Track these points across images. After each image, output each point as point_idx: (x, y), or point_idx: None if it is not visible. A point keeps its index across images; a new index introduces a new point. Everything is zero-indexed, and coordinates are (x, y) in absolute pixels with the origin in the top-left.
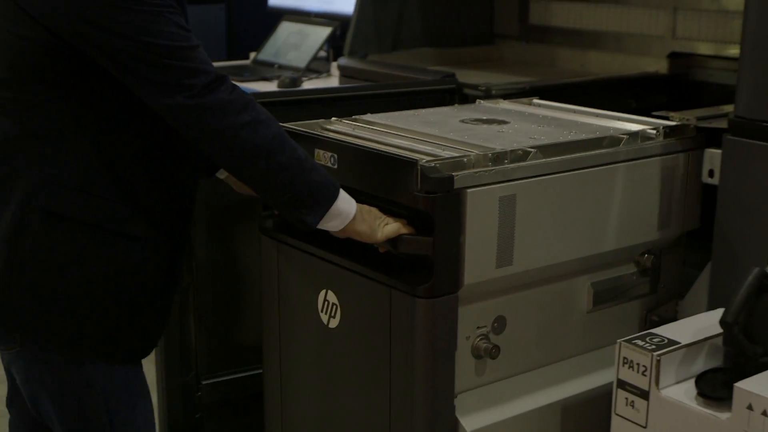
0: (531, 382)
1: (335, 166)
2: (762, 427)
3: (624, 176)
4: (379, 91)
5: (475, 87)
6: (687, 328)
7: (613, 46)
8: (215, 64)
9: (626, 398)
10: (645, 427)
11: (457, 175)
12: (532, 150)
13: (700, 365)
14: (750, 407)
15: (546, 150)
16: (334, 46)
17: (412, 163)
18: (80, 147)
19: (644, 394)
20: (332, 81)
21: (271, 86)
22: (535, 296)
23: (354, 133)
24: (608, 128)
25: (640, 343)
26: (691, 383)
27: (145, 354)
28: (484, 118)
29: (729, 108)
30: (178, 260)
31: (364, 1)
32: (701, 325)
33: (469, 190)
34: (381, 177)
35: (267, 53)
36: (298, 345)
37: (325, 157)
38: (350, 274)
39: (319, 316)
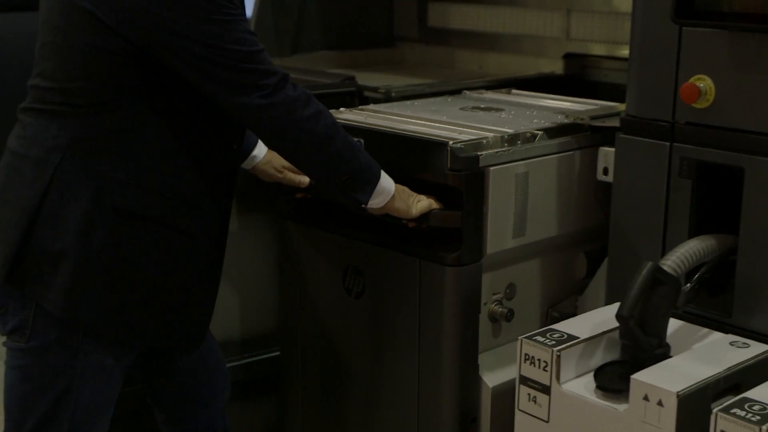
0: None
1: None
2: (658, 417)
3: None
4: None
5: (375, 89)
6: (586, 322)
7: (510, 47)
8: None
9: (528, 394)
10: (547, 422)
11: (481, 155)
12: (539, 132)
13: (599, 359)
14: (646, 398)
15: (550, 132)
16: None
17: (443, 145)
18: (143, 147)
19: (546, 389)
20: None
21: None
22: (539, 265)
23: (369, 120)
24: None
25: (540, 339)
26: (591, 377)
27: (194, 348)
28: (482, 106)
29: (622, 107)
30: (222, 256)
31: (263, 5)
32: (599, 319)
33: (491, 168)
34: (410, 158)
35: None
36: (321, 319)
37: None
38: (378, 249)
39: (343, 291)
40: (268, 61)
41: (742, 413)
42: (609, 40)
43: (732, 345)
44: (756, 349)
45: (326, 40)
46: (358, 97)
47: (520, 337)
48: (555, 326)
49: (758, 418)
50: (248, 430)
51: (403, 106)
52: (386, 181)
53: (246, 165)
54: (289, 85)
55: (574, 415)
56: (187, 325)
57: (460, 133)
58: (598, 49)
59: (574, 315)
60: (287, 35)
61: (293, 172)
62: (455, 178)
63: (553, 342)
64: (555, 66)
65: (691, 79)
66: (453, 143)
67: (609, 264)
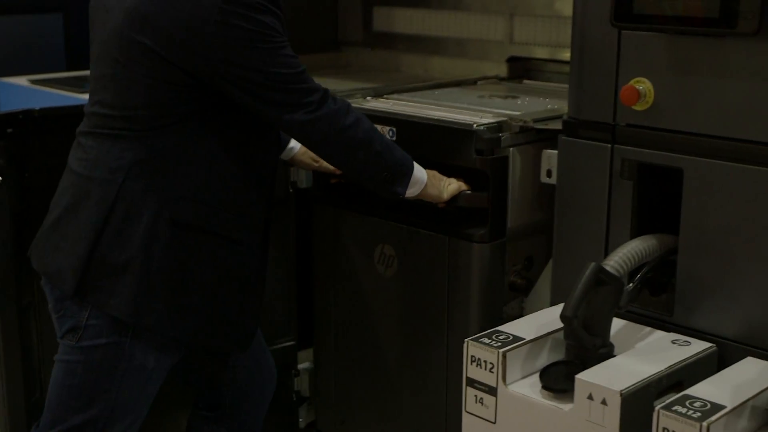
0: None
1: (394, 138)
2: (602, 416)
3: None
4: None
5: None
6: (531, 323)
7: (454, 51)
8: (53, 75)
9: (475, 395)
10: (494, 423)
11: (503, 137)
12: (553, 116)
13: (544, 359)
14: (590, 397)
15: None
16: None
17: (468, 131)
18: (198, 164)
19: (492, 391)
20: None
21: None
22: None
23: (394, 109)
24: None
25: (486, 340)
26: (536, 378)
27: (244, 347)
28: (499, 94)
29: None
30: (266, 260)
31: None
32: (544, 320)
33: (511, 149)
34: (439, 144)
35: None
36: (354, 297)
37: (383, 131)
38: (409, 228)
39: (376, 268)
40: (311, 79)
41: (684, 410)
42: (551, 43)
43: (674, 343)
44: (697, 346)
45: None
46: None
47: (466, 340)
48: (501, 328)
49: (699, 414)
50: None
51: (423, 96)
52: (419, 172)
53: (284, 156)
54: (330, 99)
55: (521, 415)
56: (238, 326)
57: (482, 117)
58: (541, 53)
59: (520, 316)
60: None
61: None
62: (482, 161)
63: (499, 343)
64: (499, 69)
65: (631, 82)
66: (477, 126)
67: (553, 265)
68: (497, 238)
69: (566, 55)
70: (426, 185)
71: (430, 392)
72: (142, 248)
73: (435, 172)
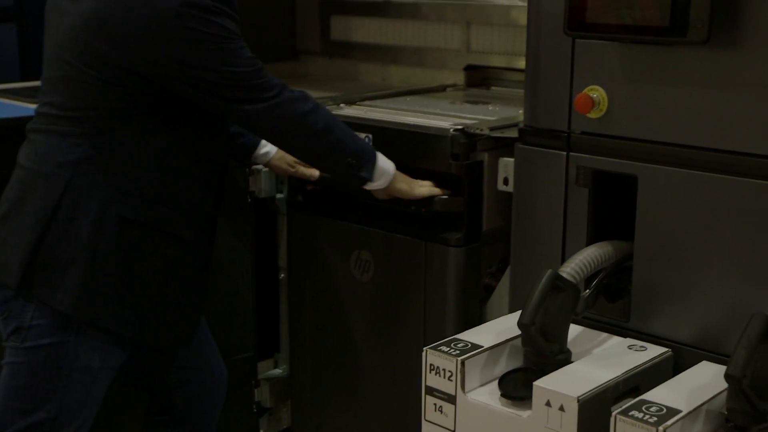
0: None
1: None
2: (560, 422)
3: None
4: None
5: None
6: (489, 331)
7: (412, 60)
8: (8, 86)
9: (434, 404)
10: (454, 430)
11: (478, 141)
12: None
13: (503, 366)
14: (548, 404)
15: None
16: None
17: (444, 136)
18: (146, 162)
19: (451, 399)
20: None
21: None
22: None
23: (369, 115)
24: None
25: (444, 349)
26: (495, 385)
27: (185, 343)
28: (470, 100)
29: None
30: (210, 260)
31: None
32: (503, 327)
33: (486, 154)
34: (415, 149)
35: None
36: (329, 301)
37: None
38: (385, 233)
39: (352, 273)
40: (269, 75)
41: (640, 415)
42: (508, 52)
43: (630, 348)
44: (653, 351)
45: None
46: None
47: (425, 348)
48: (459, 336)
49: (655, 419)
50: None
51: (395, 102)
52: (385, 162)
53: (260, 161)
54: (287, 90)
55: (480, 423)
56: (181, 322)
57: (457, 123)
58: (498, 61)
59: (479, 323)
60: None
61: (304, 166)
62: (458, 167)
63: (458, 351)
64: (457, 78)
65: (585, 90)
66: (453, 132)
67: (511, 272)
68: (473, 242)
69: (523, 63)
70: (395, 178)
71: (406, 397)
72: (89, 243)
73: (405, 175)
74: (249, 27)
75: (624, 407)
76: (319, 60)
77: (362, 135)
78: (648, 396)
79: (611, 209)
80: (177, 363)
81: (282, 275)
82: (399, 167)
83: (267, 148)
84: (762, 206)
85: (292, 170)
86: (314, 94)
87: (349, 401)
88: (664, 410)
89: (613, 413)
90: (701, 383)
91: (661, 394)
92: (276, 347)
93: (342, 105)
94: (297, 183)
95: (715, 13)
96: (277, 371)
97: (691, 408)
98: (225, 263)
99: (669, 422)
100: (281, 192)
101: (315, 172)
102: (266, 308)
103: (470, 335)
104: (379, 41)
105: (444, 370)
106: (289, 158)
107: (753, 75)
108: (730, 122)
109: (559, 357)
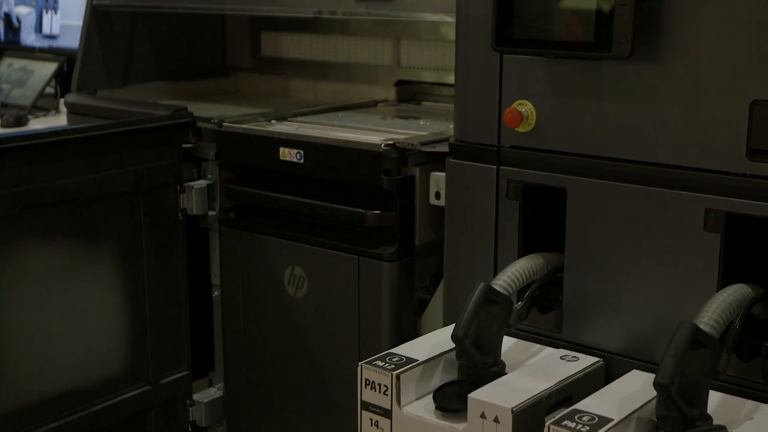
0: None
1: (302, 161)
2: None
3: None
4: (107, 131)
5: (208, 120)
6: (424, 344)
7: (343, 75)
8: None
9: (371, 419)
10: None
11: (409, 156)
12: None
13: (438, 379)
14: (483, 415)
15: None
16: (61, 82)
17: (375, 152)
18: None
19: (387, 413)
20: (61, 118)
21: None
22: None
23: (300, 131)
24: None
25: (380, 363)
26: (430, 398)
27: None
28: (401, 115)
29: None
30: None
31: (90, 35)
32: (437, 340)
33: (418, 170)
34: (346, 165)
35: None
36: (263, 318)
37: (291, 154)
38: (319, 249)
39: (286, 290)
40: None
41: (573, 424)
42: (438, 67)
43: (563, 359)
44: (585, 361)
45: (158, 70)
46: (191, 128)
47: (360, 363)
48: (394, 350)
49: (588, 428)
50: None
51: (328, 117)
52: None
53: None
54: None
55: None
56: None
57: (389, 139)
58: (428, 76)
59: (413, 337)
60: (117, 66)
61: None
62: (389, 182)
63: (392, 366)
64: (388, 93)
65: (514, 105)
66: (383, 149)
67: (444, 286)
68: (406, 257)
69: (452, 78)
70: None
71: (342, 413)
72: None
73: None
74: (179, 43)
75: (557, 417)
76: (249, 76)
77: (294, 151)
78: (580, 405)
79: (542, 222)
80: None
81: (216, 293)
82: (331, 183)
83: None
84: (683, 216)
85: None
86: (245, 110)
87: (285, 418)
88: (596, 419)
89: (547, 423)
90: (632, 391)
91: (593, 404)
92: (211, 366)
93: (273, 121)
94: (231, 200)
95: (638, 29)
96: (212, 390)
97: (622, 416)
98: (157, 281)
99: (601, 431)
100: (213, 209)
101: None
102: (200, 326)
103: (405, 349)
104: (309, 57)
105: (379, 384)
106: None
107: (674, 88)
108: (654, 135)
109: (493, 369)
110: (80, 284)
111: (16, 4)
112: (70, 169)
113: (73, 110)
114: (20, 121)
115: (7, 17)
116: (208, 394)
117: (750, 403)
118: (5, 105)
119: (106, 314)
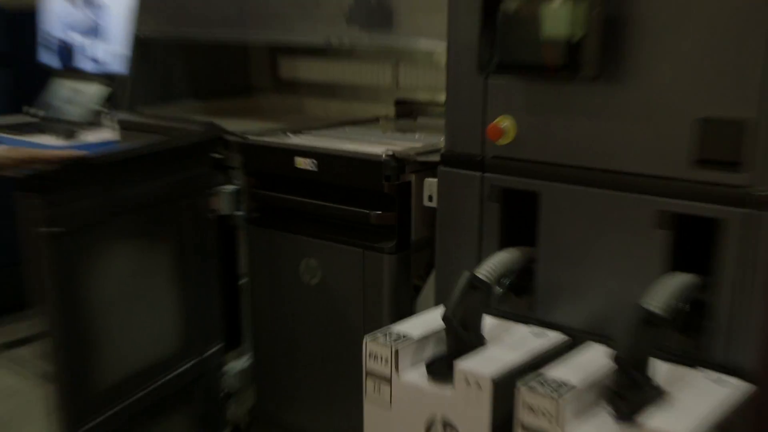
0: (437, 314)
1: (315, 169)
2: (477, 396)
3: None
4: (166, 147)
5: (234, 134)
6: (418, 323)
7: (349, 95)
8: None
9: (373, 385)
10: (390, 407)
11: (406, 165)
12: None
13: (430, 352)
14: (467, 382)
15: None
16: (109, 100)
17: (377, 162)
18: None
19: (387, 380)
20: (105, 132)
21: (49, 139)
22: None
23: (313, 143)
24: None
25: (381, 338)
26: (423, 368)
27: None
28: (399, 129)
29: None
30: None
31: (135, 60)
32: (429, 319)
33: (413, 177)
34: (354, 173)
35: (46, 108)
36: (283, 302)
37: (305, 163)
38: (330, 243)
39: (301, 278)
40: None
41: (542, 389)
42: (431, 87)
43: (534, 335)
44: (553, 338)
45: (192, 90)
46: (216, 141)
47: (365, 338)
48: (392, 327)
49: (554, 391)
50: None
51: (337, 132)
52: None
53: None
54: None
55: (411, 399)
56: None
57: (389, 150)
58: (423, 95)
59: (409, 316)
60: (157, 87)
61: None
62: (389, 187)
63: (392, 340)
64: (388, 110)
65: (495, 121)
66: (384, 158)
67: (436, 274)
68: (403, 250)
69: (444, 98)
70: None
71: (350, 379)
72: None
73: None
74: (208, 67)
75: (526, 381)
76: (269, 96)
77: (308, 160)
78: (546, 372)
79: (518, 220)
80: None
81: (243, 280)
82: (340, 187)
83: None
84: (638, 215)
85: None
86: (266, 125)
87: (301, 384)
88: (561, 384)
89: (520, 387)
90: (590, 361)
91: (558, 372)
92: (239, 341)
93: (290, 134)
94: (253, 202)
95: (603, 55)
96: (242, 361)
97: (582, 382)
98: (197, 271)
99: (564, 394)
100: (240, 210)
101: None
102: (231, 309)
103: (402, 327)
104: (321, 79)
105: (381, 356)
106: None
107: (632, 106)
108: (615, 146)
109: (476, 344)
110: (147, 277)
111: (72, 33)
112: (140, 180)
113: (124, 126)
114: (71, 135)
115: (64, 44)
116: (238, 364)
117: (686, 371)
118: (59, 120)
119: (165, 300)
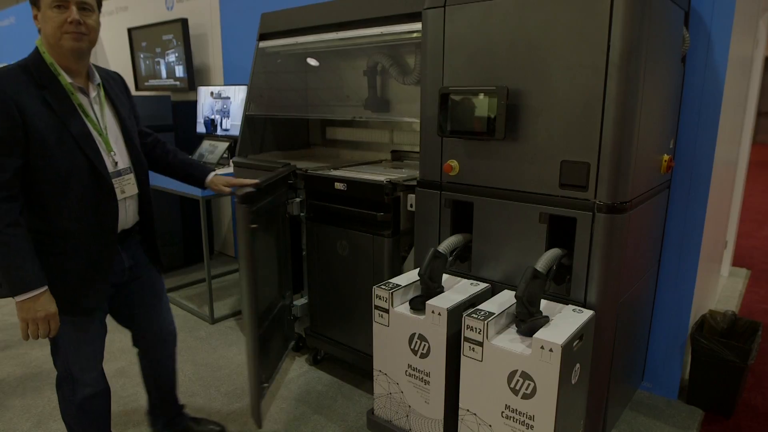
0: (416, 273)
1: (345, 189)
2: (439, 321)
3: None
4: (280, 176)
5: (300, 169)
6: (405, 278)
7: (365, 147)
8: None
9: (379, 314)
10: (388, 326)
11: (398, 186)
12: (414, 178)
13: (411, 294)
14: (433, 312)
15: None
16: (230, 150)
17: (381, 185)
18: (30, 207)
19: (386, 311)
20: (229, 170)
21: None
22: None
23: (344, 174)
24: None
25: (383, 287)
26: (408, 303)
27: (84, 313)
28: (393, 167)
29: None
30: (96, 263)
31: (244, 128)
32: (411, 276)
33: (401, 194)
34: (368, 191)
35: (198, 157)
36: (327, 266)
37: (340, 186)
38: (354, 231)
39: (338, 252)
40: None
41: (476, 316)
42: (413, 143)
43: (472, 285)
44: (482, 286)
45: (276, 144)
46: (293, 173)
47: (373, 287)
48: (390, 280)
49: (483, 316)
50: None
51: (359, 168)
52: (26, 293)
53: (207, 185)
54: (4, 202)
55: (400, 322)
56: (75, 301)
57: (388, 178)
58: (408, 147)
59: (399, 274)
60: (257, 142)
61: (236, 185)
62: (389, 199)
63: (390, 287)
64: (387, 156)
65: (448, 161)
66: (386, 183)
67: (415, 250)
68: (396, 235)
69: (419, 148)
70: (19, 306)
71: (366, 311)
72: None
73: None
74: (286, 131)
75: (468, 312)
76: (320, 148)
77: (341, 184)
78: (480, 307)
79: (462, 218)
80: (136, 321)
81: (304, 252)
82: (359, 200)
83: (209, 177)
84: (530, 216)
85: (227, 190)
86: (318, 164)
87: (338, 314)
88: (487, 313)
89: (464, 315)
90: (504, 300)
91: (486, 306)
92: (301, 287)
93: (331, 170)
94: (310, 209)
95: (508, 125)
96: (303, 300)
97: (500, 311)
98: (282, 245)
99: (490, 319)
100: (303, 212)
101: (250, 181)
102: (297, 269)
103: (395, 280)
104: (349, 139)
105: (383, 296)
106: (221, 181)
107: (524, 154)
108: (516, 176)
109: (438, 290)
110: (269, 249)
111: (213, 114)
112: (271, 194)
113: (238, 165)
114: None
115: (210, 120)
116: (300, 301)
117: (560, 306)
118: (207, 163)
119: (274, 262)
